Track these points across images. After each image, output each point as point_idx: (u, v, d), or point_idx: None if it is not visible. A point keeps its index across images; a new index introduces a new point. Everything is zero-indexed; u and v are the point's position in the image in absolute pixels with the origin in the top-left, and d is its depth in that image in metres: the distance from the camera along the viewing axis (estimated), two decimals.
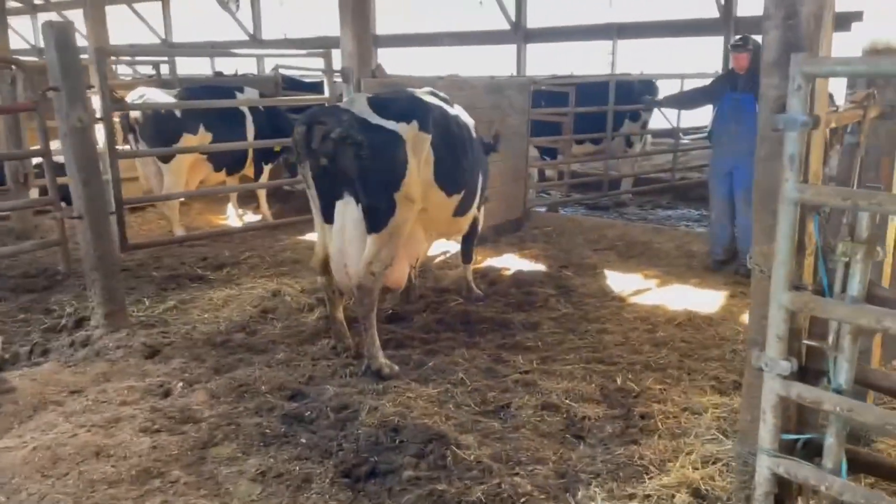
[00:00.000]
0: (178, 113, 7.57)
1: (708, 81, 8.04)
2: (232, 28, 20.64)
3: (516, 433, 3.76)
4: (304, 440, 3.68)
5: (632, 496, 3.17)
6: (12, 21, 17.88)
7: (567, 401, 4.08)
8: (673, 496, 3.14)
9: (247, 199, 9.49)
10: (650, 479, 3.30)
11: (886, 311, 2.02)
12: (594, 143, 9.97)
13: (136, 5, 21.98)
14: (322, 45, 8.52)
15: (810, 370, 2.41)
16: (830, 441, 2.26)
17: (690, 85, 10.09)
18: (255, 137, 8.14)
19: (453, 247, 7.15)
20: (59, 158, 5.13)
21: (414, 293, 5.84)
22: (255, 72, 17.68)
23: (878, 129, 3.09)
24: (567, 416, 3.95)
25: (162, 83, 10.37)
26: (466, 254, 6.06)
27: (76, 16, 17.91)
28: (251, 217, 9.13)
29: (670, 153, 10.99)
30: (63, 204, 5.35)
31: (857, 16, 3.54)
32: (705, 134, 10.64)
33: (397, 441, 3.62)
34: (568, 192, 10.12)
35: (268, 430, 3.78)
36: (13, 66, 6.34)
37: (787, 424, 2.41)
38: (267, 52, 16.47)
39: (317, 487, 3.29)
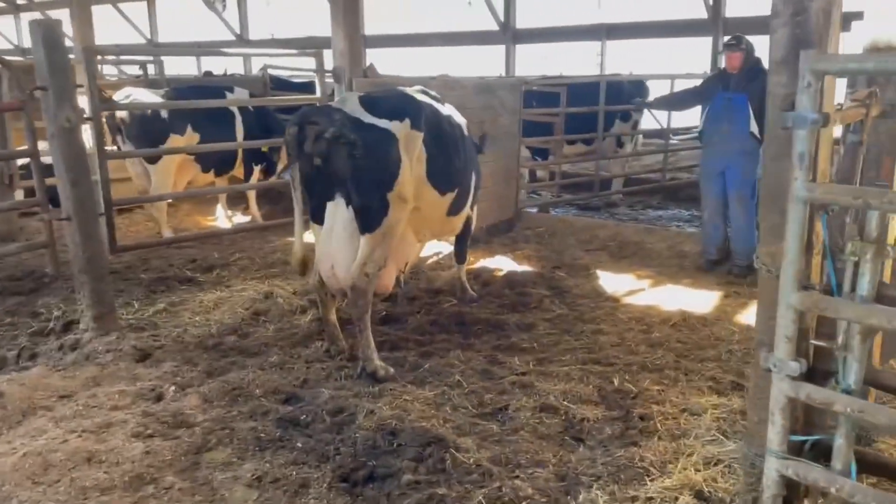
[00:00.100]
0: (164, 113, 7.48)
1: (697, 82, 8.06)
2: (218, 28, 20.51)
3: (515, 435, 3.72)
4: (300, 444, 3.62)
5: (634, 499, 3.14)
6: None
7: (565, 402, 4.05)
8: (676, 498, 3.11)
9: (236, 200, 9.41)
10: (652, 481, 3.27)
11: None
12: (586, 144, 9.96)
13: (121, 5, 21.77)
14: (310, 45, 8.47)
15: (818, 371, 2.39)
16: (840, 442, 2.24)
17: (680, 85, 10.10)
18: (245, 138, 8.05)
19: (446, 248, 7.12)
20: (47, 159, 5.05)
21: (401, 297, 5.78)
22: (242, 72, 17.59)
23: (879, 128, 3.07)
24: (566, 417, 3.91)
25: (149, 83, 10.26)
26: (460, 254, 6.02)
27: (60, 16, 17.71)
28: (240, 218, 9.05)
29: (660, 153, 11.00)
30: (50, 206, 5.26)
31: (858, 15, 3.53)
32: (695, 134, 10.69)
33: (395, 444, 3.57)
34: (559, 193, 10.10)
35: (263, 435, 3.71)
36: None
37: (794, 425, 2.39)
38: (259, 52, 16.34)
39: (314, 493, 3.23)
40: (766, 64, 2.41)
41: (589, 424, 3.84)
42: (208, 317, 5.49)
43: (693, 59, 13.57)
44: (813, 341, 2.37)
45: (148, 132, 7.42)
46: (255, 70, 16.63)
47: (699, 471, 3.26)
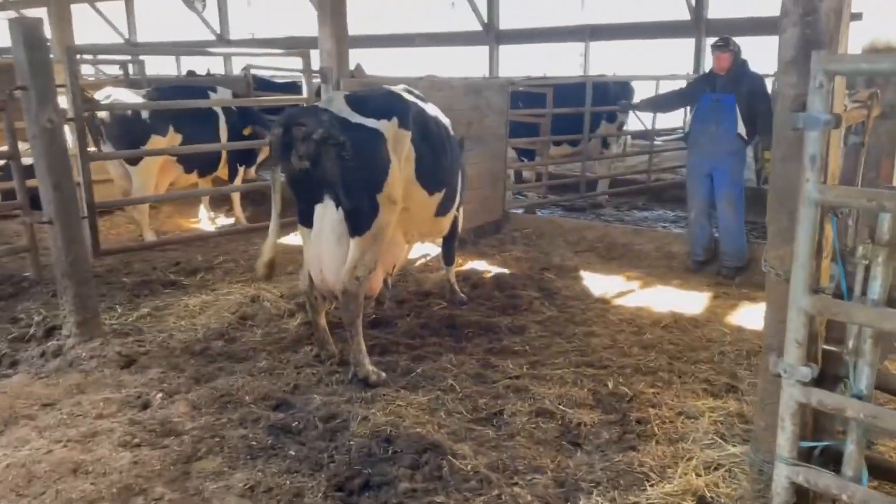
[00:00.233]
0: (145, 114, 7.34)
1: (681, 83, 8.08)
2: (198, 28, 20.28)
3: (512, 441, 3.67)
4: (292, 452, 3.53)
5: None
6: None
7: (561, 406, 4.01)
8: None
9: (219, 202, 9.28)
10: (652, 486, 3.24)
11: None
12: (572, 145, 9.93)
13: (98, 4, 21.45)
14: (292, 45, 8.38)
15: (826, 375, 2.36)
16: (851, 448, 2.20)
17: (665, 87, 10.13)
18: (229, 139, 7.93)
19: (433, 250, 7.05)
20: (27, 160, 4.92)
21: (388, 299, 5.71)
22: (223, 71, 17.40)
23: (879, 129, 3.05)
24: (562, 422, 3.87)
25: (130, 83, 10.09)
26: (448, 256, 5.96)
27: (37, 15, 17.42)
28: (223, 220, 8.92)
29: (645, 154, 11.02)
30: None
31: (857, 16, 3.51)
32: (680, 135, 10.71)
33: (390, 451, 3.50)
34: (545, 194, 10.08)
35: (254, 443, 3.63)
36: None
37: (803, 431, 2.35)
38: (245, 52, 16.12)
39: (309, 502, 3.15)
40: (772, 65, 2.38)
41: (586, 429, 3.80)
42: (194, 321, 5.38)
43: (676, 60, 13.63)
44: (824, 346, 2.33)
45: (129, 133, 7.27)
46: (236, 70, 16.47)
47: (700, 476, 3.22)
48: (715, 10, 13.13)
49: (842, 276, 2.24)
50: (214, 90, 8.23)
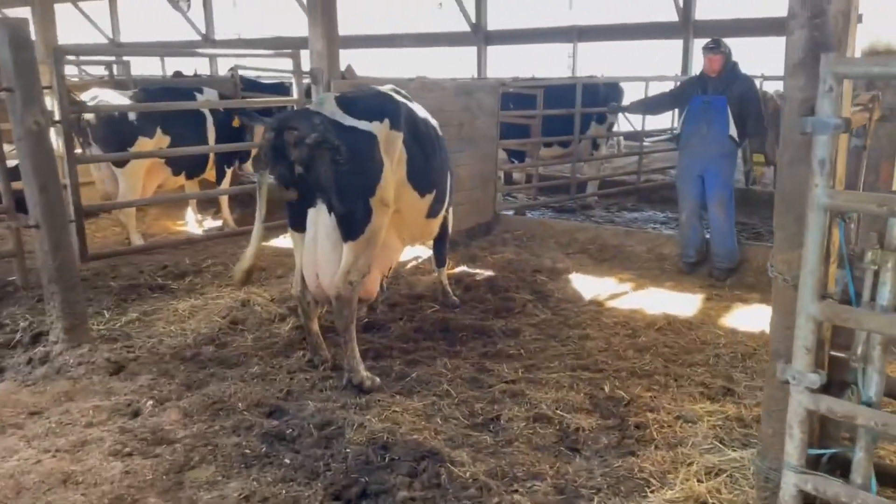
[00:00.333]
0: (132, 115, 7.24)
1: (670, 84, 8.07)
2: (183, 28, 20.12)
3: (510, 447, 3.63)
4: (287, 460, 3.47)
5: None
6: None
7: (558, 411, 3.97)
8: None
9: (206, 204, 9.17)
10: (653, 492, 3.20)
11: None
12: (562, 147, 9.91)
13: (81, 4, 21.23)
14: (278, 46, 8.28)
15: (833, 382, 2.33)
16: (860, 456, 2.18)
17: (655, 88, 10.14)
18: (217, 140, 7.84)
19: (424, 252, 7.00)
20: (13, 162, 4.82)
21: (381, 303, 5.66)
22: (209, 72, 17.25)
23: (879, 132, 3.04)
24: (560, 427, 3.83)
25: (115, 84, 9.97)
26: (440, 258, 5.91)
27: (19, 15, 17.19)
28: (211, 222, 8.82)
29: (635, 155, 11.03)
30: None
31: (857, 17, 3.50)
32: (668, 136, 10.72)
33: (388, 459, 3.44)
34: (535, 195, 10.05)
35: (248, 451, 3.56)
36: None
37: (810, 438, 2.33)
38: (235, 53, 15.98)
39: None
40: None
41: (584, 434, 3.76)
42: (183, 326, 5.30)
43: (664, 61, 13.67)
44: (831, 352, 2.31)
45: (116, 134, 7.17)
46: (222, 70, 16.34)
47: (702, 482, 3.19)
48: (702, 12, 13.19)
49: (850, 281, 2.21)
50: (201, 91, 8.14)
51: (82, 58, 14.25)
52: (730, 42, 6.86)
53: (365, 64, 16.64)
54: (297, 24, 15.72)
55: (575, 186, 9.72)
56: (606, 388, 4.29)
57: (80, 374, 4.40)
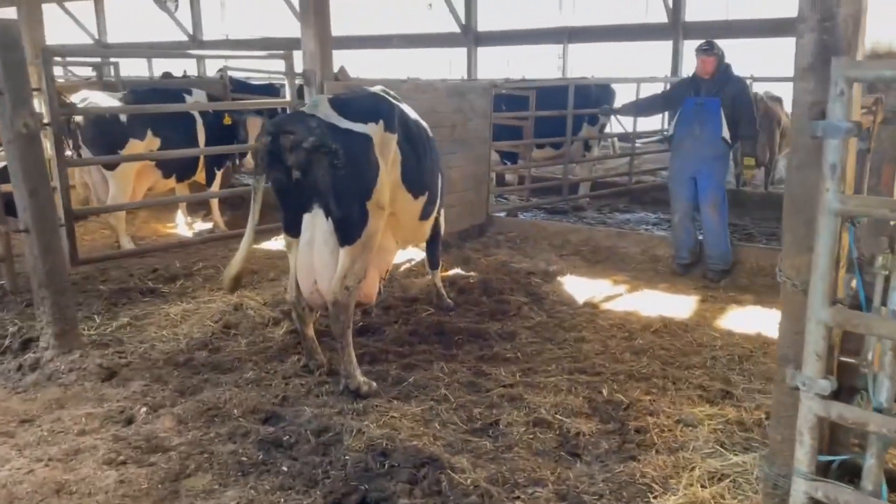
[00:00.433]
0: (122, 117, 7.15)
1: (660, 86, 8.08)
2: (170, 28, 19.97)
3: (510, 452, 3.59)
4: (285, 468, 3.42)
5: None
6: None
7: (557, 416, 3.93)
8: None
9: (196, 206, 9.09)
10: (655, 498, 3.18)
11: None
12: (555, 148, 9.90)
13: (67, 4, 21.03)
14: (266, 47, 8.22)
15: (843, 387, 2.31)
16: (871, 462, 2.16)
17: (646, 89, 10.15)
18: (207, 142, 7.76)
19: (417, 254, 6.96)
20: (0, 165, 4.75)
21: (373, 307, 5.60)
22: (196, 73, 17.11)
23: (881, 135, 3.02)
24: (559, 432, 3.80)
25: (104, 85, 9.86)
26: (433, 260, 5.86)
27: (4, 15, 16.98)
28: (201, 225, 8.74)
29: (627, 157, 11.03)
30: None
31: (866, 21, 3.49)
32: (660, 138, 10.75)
33: (387, 466, 3.40)
34: (528, 197, 10.03)
35: (244, 458, 3.50)
36: None
37: (820, 445, 2.31)
38: (226, 55, 15.86)
39: None
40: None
41: (584, 439, 3.73)
42: (176, 331, 5.23)
43: (653, 62, 13.70)
44: (842, 358, 2.29)
45: (106, 136, 7.07)
46: (209, 71, 16.21)
47: (705, 487, 3.16)
48: (692, 13, 13.23)
49: (860, 286, 2.19)
50: (190, 93, 8.06)
51: (69, 59, 14.09)
52: (719, 43, 6.87)
53: (355, 65, 16.60)
54: (286, 25, 15.66)
55: (567, 188, 9.71)
56: (605, 392, 4.27)
57: (72, 381, 4.33)
